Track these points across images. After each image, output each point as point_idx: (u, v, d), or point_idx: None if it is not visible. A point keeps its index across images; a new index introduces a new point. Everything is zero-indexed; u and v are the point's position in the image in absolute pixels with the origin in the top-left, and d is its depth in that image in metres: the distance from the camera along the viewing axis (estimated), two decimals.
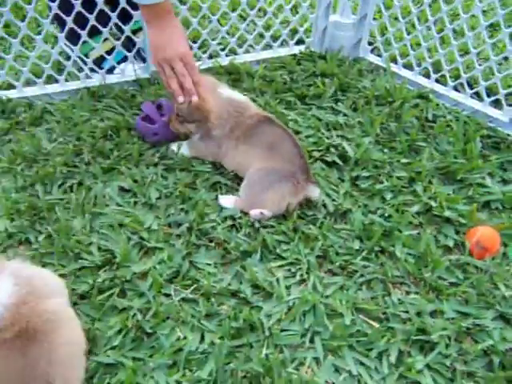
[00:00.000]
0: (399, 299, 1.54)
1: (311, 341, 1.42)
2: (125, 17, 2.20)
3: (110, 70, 2.39)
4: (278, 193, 1.74)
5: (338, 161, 1.97)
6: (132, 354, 1.39)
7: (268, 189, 1.75)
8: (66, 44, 2.23)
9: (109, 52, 2.34)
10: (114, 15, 2.17)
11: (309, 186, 1.78)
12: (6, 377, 1.14)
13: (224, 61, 2.50)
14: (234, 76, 2.44)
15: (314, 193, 1.79)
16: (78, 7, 2.08)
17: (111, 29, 2.26)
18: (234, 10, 2.45)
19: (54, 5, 2.07)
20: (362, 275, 1.60)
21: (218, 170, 1.95)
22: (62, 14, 2.10)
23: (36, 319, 1.18)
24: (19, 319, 1.15)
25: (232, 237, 1.68)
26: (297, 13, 2.59)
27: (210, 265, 1.61)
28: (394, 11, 2.42)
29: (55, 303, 1.27)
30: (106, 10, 2.14)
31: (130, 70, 2.37)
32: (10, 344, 1.14)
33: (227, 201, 1.80)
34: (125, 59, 2.40)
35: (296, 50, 2.64)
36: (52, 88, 2.31)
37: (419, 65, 2.48)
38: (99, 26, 2.18)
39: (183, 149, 1.99)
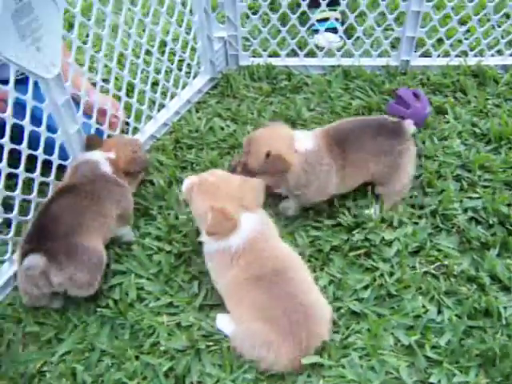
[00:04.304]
0: None
1: None
2: None
3: None
4: None
5: None
6: (375, 308, 1.57)
7: None
8: None
9: None
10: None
11: None
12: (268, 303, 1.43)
13: (470, 61, 2.55)
14: (478, 79, 2.49)
15: None
16: None
17: None
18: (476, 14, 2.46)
19: None
20: None
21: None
22: None
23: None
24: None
25: (472, 228, 1.79)
26: None
27: (449, 248, 1.73)
28: None
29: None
30: None
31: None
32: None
33: None
34: None
35: None
36: (310, 61, 2.54)
37: None
38: None
39: None
